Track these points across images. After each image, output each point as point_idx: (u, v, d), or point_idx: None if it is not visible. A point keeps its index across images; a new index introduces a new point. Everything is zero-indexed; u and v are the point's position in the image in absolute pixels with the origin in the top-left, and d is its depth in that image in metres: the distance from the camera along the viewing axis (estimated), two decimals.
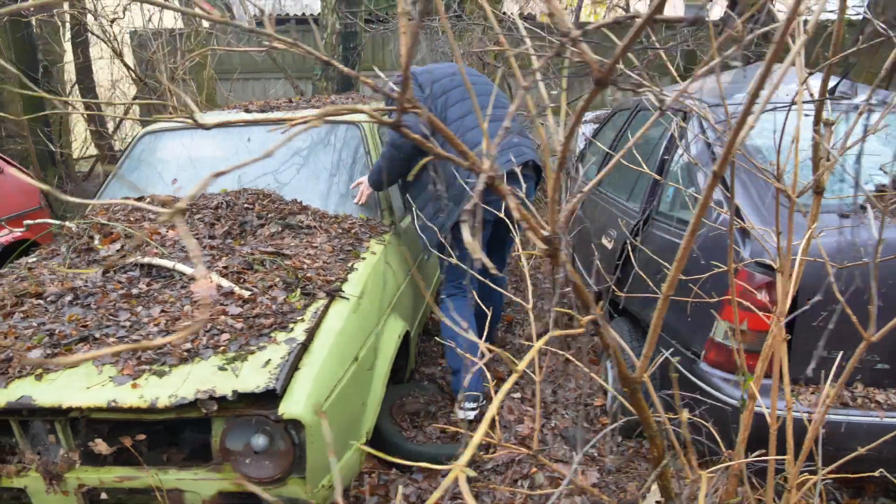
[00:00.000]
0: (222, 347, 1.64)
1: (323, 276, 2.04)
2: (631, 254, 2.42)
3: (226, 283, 1.95)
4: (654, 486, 1.91)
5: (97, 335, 1.71)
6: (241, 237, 2.39)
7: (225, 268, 2.08)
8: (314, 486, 1.59)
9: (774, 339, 1.36)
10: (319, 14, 5.90)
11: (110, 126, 7.72)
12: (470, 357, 1.13)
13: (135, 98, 6.08)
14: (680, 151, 2.37)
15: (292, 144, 2.86)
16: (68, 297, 1.93)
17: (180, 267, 2.07)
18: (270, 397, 1.51)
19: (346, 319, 1.87)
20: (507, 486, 2.03)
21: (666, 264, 1.74)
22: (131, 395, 1.50)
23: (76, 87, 7.41)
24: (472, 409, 2.43)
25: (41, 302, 1.93)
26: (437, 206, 2.54)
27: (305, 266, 2.09)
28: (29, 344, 1.70)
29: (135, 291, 1.97)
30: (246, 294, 1.89)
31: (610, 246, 2.64)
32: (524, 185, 1.49)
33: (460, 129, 2.51)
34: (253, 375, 1.54)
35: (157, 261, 2.11)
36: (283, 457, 1.56)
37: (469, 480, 1.19)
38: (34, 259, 2.37)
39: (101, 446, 1.58)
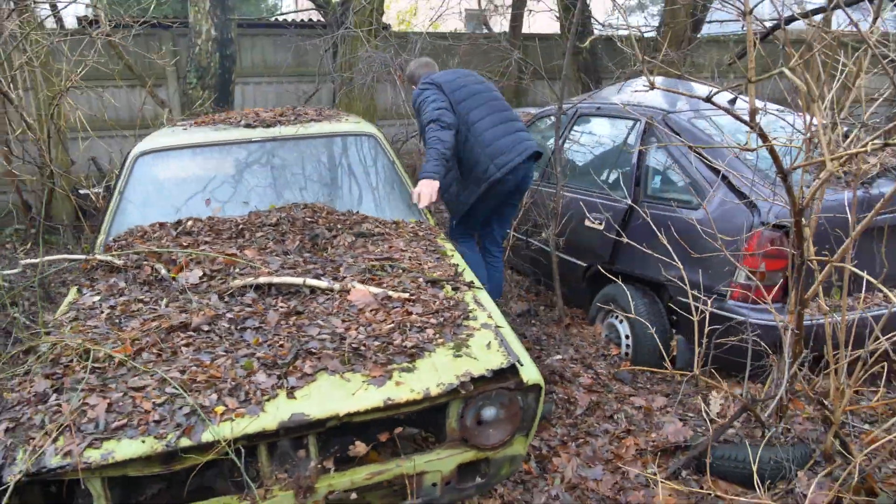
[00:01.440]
0: (440, 340, 1.84)
1: (444, 271, 2.28)
2: (622, 231, 3.06)
3: (376, 290, 2.09)
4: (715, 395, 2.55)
5: (310, 349, 1.77)
6: (318, 249, 2.47)
7: (351, 277, 2.19)
8: (531, 439, 1.90)
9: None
10: (190, 20, 5.54)
11: None
12: None
13: None
14: (655, 150, 3.06)
15: (316, 157, 2.93)
16: (224, 324, 1.90)
17: (311, 282, 2.13)
18: (509, 372, 1.78)
19: (492, 302, 2.16)
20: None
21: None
22: (402, 391, 1.65)
23: None
24: None
25: (194, 335, 1.86)
26: (461, 186, 3.07)
27: (425, 267, 2.30)
28: (241, 371, 1.69)
29: (282, 309, 2.00)
30: (405, 295, 2.07)
31: (601, 226, 3.24)
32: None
33: (481, 128, 2.92)
34: (488, 356, 1.79)
35: (283, 279, 2.13)
36: (511, 421, 1.83)
37: None
38: (97, 298, 2.15)
39: (359, 447, 1.69)
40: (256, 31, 6.91)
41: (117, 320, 1.97)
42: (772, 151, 1.75)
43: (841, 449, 2.13)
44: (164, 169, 2.75)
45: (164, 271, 2.26)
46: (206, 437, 1.51)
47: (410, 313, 1.97)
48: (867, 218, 1.74)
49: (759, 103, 2.67)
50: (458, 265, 2.40)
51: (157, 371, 1.67)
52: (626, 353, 3.10)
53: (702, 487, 2.09)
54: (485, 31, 6.45)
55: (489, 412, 1.80)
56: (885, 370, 2.03)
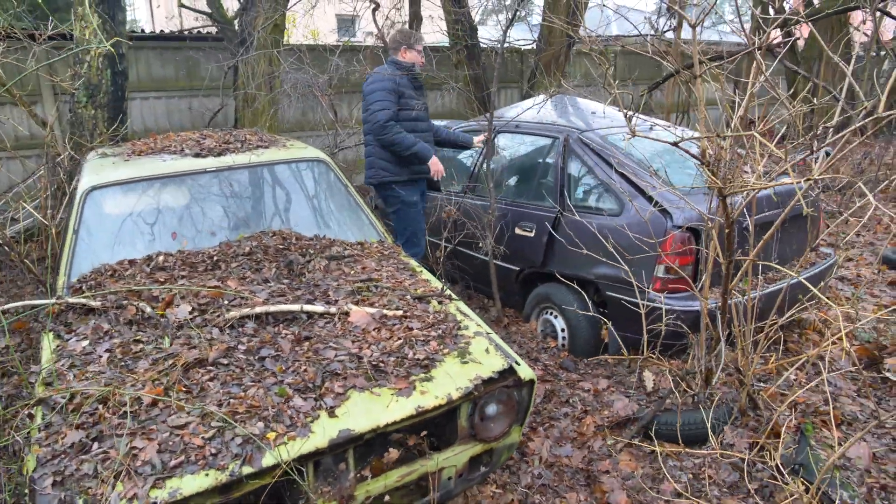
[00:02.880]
0: (446, 350, 2.08)
1: (425, 287, 2.51)
2: (554, 234, 3.47)
3: (372, 310, 2.28)
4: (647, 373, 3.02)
5: (334, 370, 1.93)
6: (295, 275, 2.59)
7: (342, 299, 2.36)
8: (524, 427, 2.20)
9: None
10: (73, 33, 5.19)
11: None
12: None
13: None
14: (578, 164, 3.49)
15: (272, 185, 3.01)
16: (241, 356, 2.00)
17: (308, 308, 2.27)
18: (508, 372, 2.06)
19: (470, 310, 2.43)
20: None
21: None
22: (428, 399, 1.87)
23: None
24: None
25: (214, 369, 1.94)
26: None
27: (405, 284, 2.52)
28: (277, 398, 1.82)
29: (290, 336, 2.13)
30: (399, 313, 2.27)
31: (531, 234, 3.63)
32: None
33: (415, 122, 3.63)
34: (490, 360, 2.06)
35: (280, 307, 2.25)
36: (509, 414, 2.12)
37: None
38: (86, 343, 2.13)
39: (393, 454, 1.89)
40: (142, 43, 6.57)
41: (122, 363, 1.99)
42: (712, 175, 2.19)
43: (750, 405, 2.67)
44: (118, 204, 2.70)
45: (149, 309, 2.27)
46: (267, 461, 1.64)
47: (411, 329, 2.19)
48: (774, 226, 2.24)
49: (663, 123, 3.17)
50: (429, 279, 2.64)
51: (195, 407, 1.75)
52: (564, 345, 3.52)
53: (653, 451, 2.52)
54: (381, 44, 6.66)
55: (492, 408, 2.08)
56: (782, 338, 2.57)
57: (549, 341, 3.55)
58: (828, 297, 3.95)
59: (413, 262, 2.82)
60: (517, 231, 3.73)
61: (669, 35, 8.32)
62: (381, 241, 2.98)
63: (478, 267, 4.05)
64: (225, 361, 1.97)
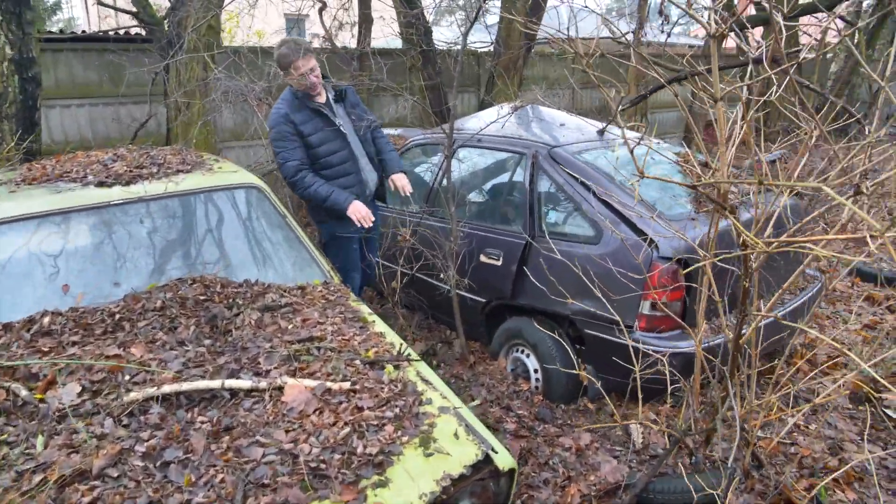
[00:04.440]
0: (405, 438, 1.67)
1: (378, 347, 2.09)
2: (524, 263, 3.10)
3: (312, 382, 1.84)
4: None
5: (260, 479, 1.49)
6: (219, 334, 2.13)
7: (275, 368, 1.92)
8: None
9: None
10: None
11: None
12: None
13: None
14: (548, 184, 3.13)
15: (194, 219, 2.53)
16: (137, 462, 1.53)
17: (231, 383, 1.82)
18: (483, 462, 1.67)
19: (432, 373, 2.03)
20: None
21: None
22: None
23: None
24: None
25: (99, 484, 1.48)
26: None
27: (354, 343, 2.09)
28: None
29: (205, 426, 1.68)
30: (346, 385, 1.85)
31: (498, 262, 3.24)
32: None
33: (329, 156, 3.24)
34: (460, 449, 1.66)
35: (195, 385, 1.79)
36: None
37: None
38: None
39: None
40: (61, 45, 5.91)
41: None
42: (716, 200, 1.84)
43: (754, 463, 2.35)
44: None
45: (24, 392, 1.78)
46: None
47: (361, 409, 1.76)
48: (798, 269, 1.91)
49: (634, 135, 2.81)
50: (383, 333, 2.22)
51: None
52: (537, 387, 3.15)
53: None
54: (330, 46, 6.18)
55: (467, 503, 1.68)
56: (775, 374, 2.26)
57: (521, 383, 3.17)
58: (813, 323, 3.71)
59: (364, 309, 2.39)
60: (482, 259, 3.34)
61: (656, 39, 8.10)
62: (326, 283, 2.54)
63: (439, 297, 3.64)
64: (115, 473, 1.50)
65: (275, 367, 1.92)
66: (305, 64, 3.07)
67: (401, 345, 2.10)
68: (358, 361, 1.98)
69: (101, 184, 2.51)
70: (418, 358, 2.08)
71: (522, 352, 3.24)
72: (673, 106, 12.79)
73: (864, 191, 1.38)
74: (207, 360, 1.96)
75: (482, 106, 8.22)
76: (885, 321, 4.01)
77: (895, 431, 2.73)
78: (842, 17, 7.27)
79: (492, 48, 8.02)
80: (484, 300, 3.38)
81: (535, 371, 3.15)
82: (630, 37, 8.70)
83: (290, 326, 2.19)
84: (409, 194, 3.35)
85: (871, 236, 1.21)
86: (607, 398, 2.62)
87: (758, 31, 9.88)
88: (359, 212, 3.10)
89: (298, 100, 3.14)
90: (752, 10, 9.31)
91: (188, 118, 5.17)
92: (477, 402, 2.94)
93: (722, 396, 2.22)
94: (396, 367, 1.99)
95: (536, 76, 10.32)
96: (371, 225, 3.14)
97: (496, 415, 2.84)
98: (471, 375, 3.26)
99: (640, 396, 2.33)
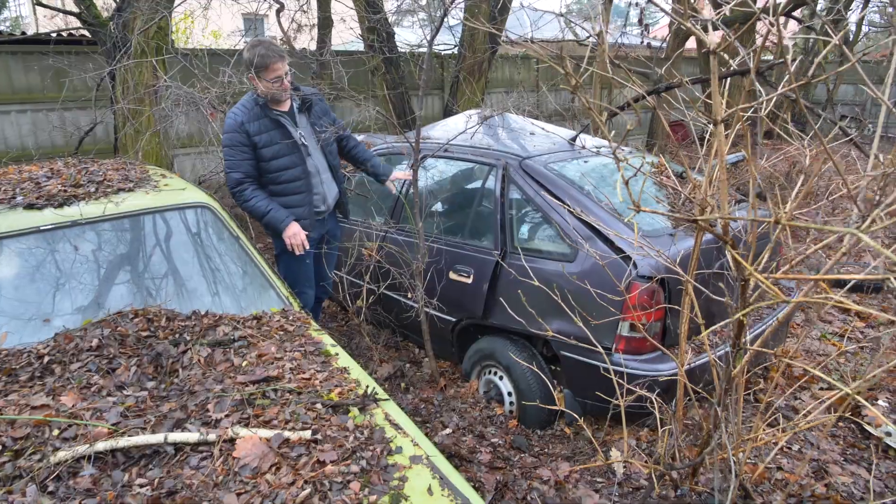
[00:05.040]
0: (373, 497, 1.49)
1: (341, 387, 1.91)
2: (496, 282, 2.96)
3: (268, 432, 1.65)
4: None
5: None
6: (164, 375, 1.92)
7: (226, 416, 1.72)
8: None
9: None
10: None
11: None
12: None
13: None
14: (520, 197, 2.99)
15: (136, 243, 2.31)
16: None
17: (175, 437, 1.61)
18: None
19: (402, 414, 1.85)
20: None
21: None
22: None
23: None
24: None
25: None
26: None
27: (315, 382, 1.90)
28: None
29: (145, 492, 1.47)
30: (307, 435, 1.66)
31: (468, 279, 3.09)
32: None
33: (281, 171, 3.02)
34: None
35: (134, 440, 1.58)
36: None
37: None
38: None
39: None
40: None
41: None
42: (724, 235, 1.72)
43: (740, 492, 2.24)
44: None
45: None
46: None
47: (324, 463, 1.58)
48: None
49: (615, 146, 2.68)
50: (347, 368, 2.04)
51: None
52: (511, 411, 3.00)
53: None
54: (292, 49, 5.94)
55: None
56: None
57: (494, 406, 3.03)
58: (790, 335, 3.67)
59: (326, 340, 2.20)
60: (452, 276, 3.18)
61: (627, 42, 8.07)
62: (284, 311, 2.34)
63: (406, 315, 3.47)
64: None
65: (226, 415, 1.72)
66: (282, 68, 2.87)
67: (367, 386, 1.92)
68: (319, 405, 1.79)
69: (30, 206, 2.26)
70: (386, 397, 1.91)
71: (495, 374, 3.10)
72: (636, 107, 12.87)
73: (878, 221, 1.27)
74: (150, 407, 1.76)
75: (446, 110, 8.07)
76: (853, 328, 4.00)
77: (877, 451, 2.68)
78: (794, 17, 7.34)
79: (456, 51, 7.89)
80: (454, 319, 3.22)
81: (509, 394, 3.01)
82: (594, 40, 8.69)
83: (243, 364, 1.99)
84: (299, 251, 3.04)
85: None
86: (584, 425, 2.49)
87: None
88: (294, 236, 2.93)
89: (259, 107, 2.93)
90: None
91: (137, 126, 4.87)
92: (448, 430, 2.78)
93: (709, 429, 2.11)
94: (362, 410, 1.81)
95: (501, 79, 10.23)
96: (303, 253, 2.97)
97: (469, 444, 2.68)
98: (441, 399, 3.09)
99: (624, 426, 2.20)
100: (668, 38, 9.36)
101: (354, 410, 1.79)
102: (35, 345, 1.91)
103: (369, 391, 1.88)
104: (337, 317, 4.28)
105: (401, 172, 3.37)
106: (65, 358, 1.88)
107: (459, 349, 3.36)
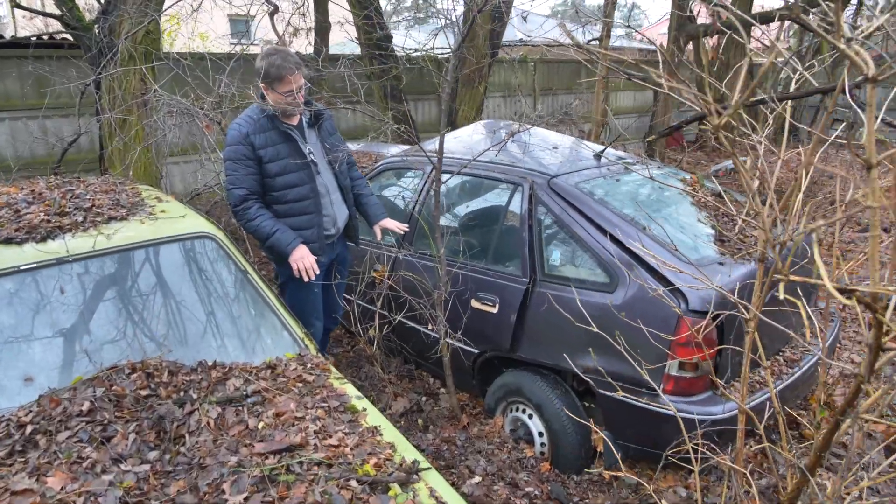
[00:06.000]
0: None
1: (375, 455, 1.65)
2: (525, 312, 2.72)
3: None
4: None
5: None
6: (168, 443, 1.65)
7: (245, 501, 1.46)
8: None
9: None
10: None
11: None
12: None
13: None
14: (550, 220, 2.75)
15: (131, 283, 2.03)
16: None
17: None
18: None
19: (448, 487, 1.60)
20: None
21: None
22: None
23: None
24: None
25: None
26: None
27: (345, 450, 1.64)
28: None
29: None
30: None
31: (495, 310, 2.84)
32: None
33: (287, 190, 2.76)
34: None
35: None
36: None
37: None
38: None
39: None
40: None
41: None
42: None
43: None
44: None
45: None
46: None
47: None
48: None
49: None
50: (380, 427, 1.78)
51: None
52: (543, 453, 2.76)
53: None
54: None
55: None
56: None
57: (524, 448, 2.78)
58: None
59: (350, 392, 1.94)
60: (475, 304, 2.93)
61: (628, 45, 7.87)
62: (300, 357, 2.08)
63: (422, 343, 3.21)
64: None
65: (245, 499, 1.46)
66: (297, 80, 2.61)
67: (410, 460, 1.66)
68: (354, 482, 1.53)
69: (8, 240, 1.97)
70: (428, 466, 1.66)
71: (523, 411, 2.85)
72: (631, 111, 12.74)
73: None
74: (153, 487, 1.49)
75: (449, 117, 7.83)
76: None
77: None
78: (793, 19, 7.20)
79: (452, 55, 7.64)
80: (476, 351, 2.97)
81: (540, 434, 2.76)
82: (595, 43, 8.49)
83: (260, 426, 1.73)
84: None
85: None
86: (627, 471, 2.26)
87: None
88: (302, 260, 2.68)
89: (266, 119, 2.67)
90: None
91: (126, 139, 4.56)
92: (478, 478, 2.53)
93: (793, 494, 1.88)
94: (403, 486, 1.55)
95: (498, 83, 10.03)
96: (311, 279, 2.72)
97: (502, 495, 2.44)
98: (465, 439, 2.84)
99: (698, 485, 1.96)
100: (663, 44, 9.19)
101: (395, 487, 1.54)
102: (15, 411, 1.63)
103: (410, 462, 1.63)
104: (342, 341, 4.01)
105: (393, 223, 3.06)
106: (51, 426, 1.60)
107: (481, 382, 3.11)
